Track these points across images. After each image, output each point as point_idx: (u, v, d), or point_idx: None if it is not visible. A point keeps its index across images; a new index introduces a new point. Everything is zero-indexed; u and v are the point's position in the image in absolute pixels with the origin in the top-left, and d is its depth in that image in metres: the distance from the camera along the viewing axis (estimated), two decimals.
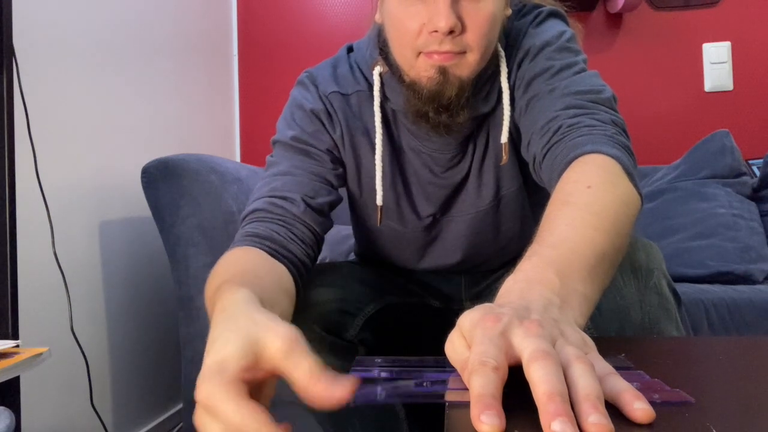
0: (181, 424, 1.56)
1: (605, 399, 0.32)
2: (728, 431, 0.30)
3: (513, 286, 0.44)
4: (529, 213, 0.89)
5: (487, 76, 0.79)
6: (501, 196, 0.86)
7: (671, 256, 1.53)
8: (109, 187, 1.40)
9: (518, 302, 0.41)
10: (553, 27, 0.79)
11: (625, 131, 0.67)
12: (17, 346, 0.79)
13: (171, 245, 1.27)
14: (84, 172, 1.32)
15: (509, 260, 0.94)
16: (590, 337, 0.40)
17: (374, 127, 0.83)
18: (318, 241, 0.77)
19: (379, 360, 0.42)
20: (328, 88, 0.84)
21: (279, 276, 0.67)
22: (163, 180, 1.27)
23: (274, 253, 0.69)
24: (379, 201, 0.83)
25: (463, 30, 0.69)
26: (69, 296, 1.15)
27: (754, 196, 1.69)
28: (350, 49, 0.89)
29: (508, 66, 0.79)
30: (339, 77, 0.85)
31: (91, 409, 1.22)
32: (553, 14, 0.82)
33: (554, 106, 0.70)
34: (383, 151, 0.83)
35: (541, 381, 0.32)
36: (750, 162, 1.81)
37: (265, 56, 2.20)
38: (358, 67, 0.85)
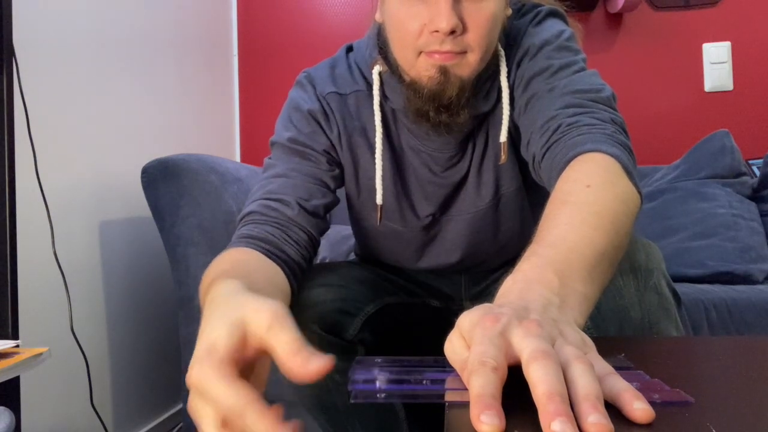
0: (181, 424, 1.56)
1: (605, 399, 0.32)
2: (728, 431, 0.30)
3: (512, 286, 0.44)
4: (529, 212, 0.89)
5: (486, 75, 0.79)
6: (500, 196, 0.86)
7: (671, 256, 1.53)
8: (109, 187, 1.40)
9: (517, 302, 0.41)
10: (553, 26, 0.80)
11: (624, 130, 0.67)
12: (17, 346, 0.79)
13: (171, 245, 1.28)
14: (84, 172, 1.32)
15: (509, 260, 0.94)
16: (590, 337, 0.40)
17: (373, 126, 0.83)
18: (313, 243, 0.78)
19: (379, 360, 0.42)
20: (325, 88, 0.84)
21: (272, 274, 0.68)
22: (163, 180, 1.27)
23: (268, 254, 0.70)
24: (379, 200, 0.84)
25: (464, 30, 0.69)
26: (69, 296, 1.15)
27: (754, 196, 1.69)
28: (349, 49, 0.89)
29: (508, 65, 0.79)
30: (337, 77, 0.85)
31: (91, 409, 1.22)
32: (552, 14, 0.82)
33: (553, 105, 0.70)
34: (382, 151, 0.83)
35: (540, 381, 0.32)
36: (750, 162, 1.81)
37: (265, 56, 2.20)
38: (357, 67, 0.85)
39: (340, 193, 0.86)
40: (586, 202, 0.54)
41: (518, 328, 0.36)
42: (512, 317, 0.37)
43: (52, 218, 1.10)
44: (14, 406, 0.87)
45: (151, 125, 1.61)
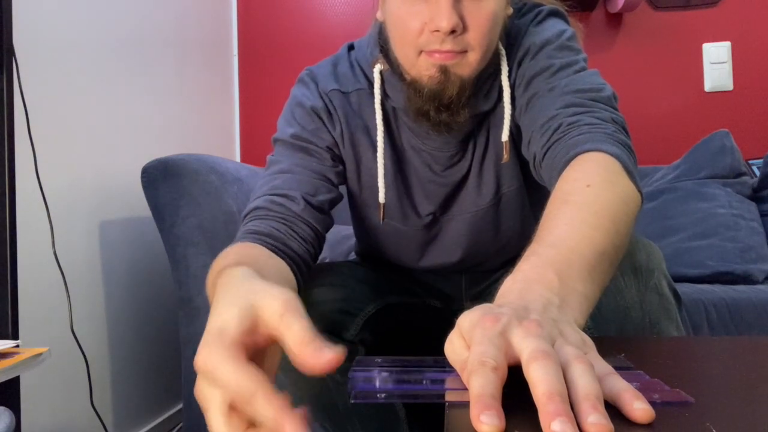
0: (181, 424, 1.56)
1: (605, 399, 0.32)
2: (728, 431, 0.30)
3: (512, 286, 0.44)
4: (529, 212, 0.89)
5: (487, 74, 0.79)
6: (501, 195, 0.86)
7: (671, 256, 1.53)
8: (109, 187, 1.40)
9: (517, 302, 0.41)
10: (554, 26, 0.80)
11: (625, 129, 0.67)
12: (17, 346, 0.79)
13: (171, 245, 1.27)
14: (84, 172, 1.32)
15: (509, 259, 0.94)
16: (590, 337, 0.39)
17: (374, 125, 0.83)
18: (319, 239, 0.77)
19: (379, 360, 0.42)
20: (328, 85, 0.84)
21: (280, 268, 0.68)
22: (163, 180, 1.27)
23: (275, 250, 0.70)
24: (381, 198, 0.83)
25: (465, 29, 0.69)
26: (69, 296, 1.15)
27: (754, 196, 1.69)
28: (351, 47, 0.89)
29: (509, 64, 0.79)
30: (339, 75, 0.85)
31: (91, 409, 1.22)
32: (553, 13, 0.82)
33: (554, 105, 0.70)
34: (384, 149, 0.83)
35: (540, 381, 0.32)
36: (750, 162, 1.81)
37: (265, 56, 2.20)
38: (359, 65, 0.85)
39: (342, 191, 0.86)
40: (586, 201, 0.54)
41: (518, 328, 0.36)
42: (512, 317, 0.37)
43: (52, 218, 1.10)
44: (14, 406, 0.87)
45: (151, 125, 1.61)
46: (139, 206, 1.40)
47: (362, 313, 0.81)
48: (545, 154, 0.68)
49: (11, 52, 0.92)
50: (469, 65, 0.72)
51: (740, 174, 1.68)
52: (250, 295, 0.42)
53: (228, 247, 0.68)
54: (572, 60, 0.75)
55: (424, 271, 0.96)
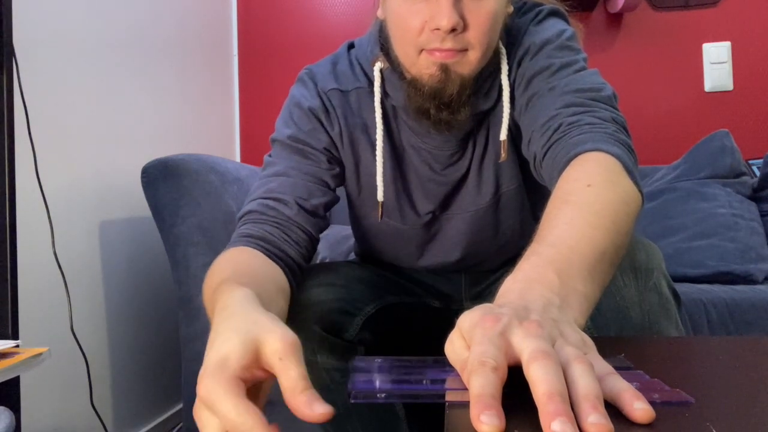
0: (181, 424, 1.56)
1: (605, 399, 0.32)
2: (728, 431, 0.30)
3: (512, 286, 0.44)
4: (529, 211, 0.89)
5: (487, 73, 0.79)
6: (500, 194, 0.86)
7: (671, 256, 1.53)
8: (109, 187, 1.40)
9: (517, 302, 0.41)
10: (554, 25, 0.80)
11: (625, 129, 0.67)
12: (17, 346, 0.79)
13: (171, 245, 1.27)
14: (84, 172, 1.32)
15: (509, 259, 0.94)
16: (590, 337, 0.40)
17: (374, 123, 0.83)
18: (312, 242, 0.78)
19: (379, 360, 0.42)
20: (327, 84, 0.84)
21: (274, 275, 0.68)
22: (163, 180, 1.27)
23: (268, 254, 0.70)
24: (380, 197, 0.83)
25: (465, 28, 0.70)
26: (69, 296, 1.15)
27: (754, 196, 1.69)
28: (351, 46, 0.89)
29: (509, 63, 0.79)
30: (338, 74, 0.85)
31: (91, 409, 1.22)
32: (553, 13, 0.82)
33: (554, 104, 0.70)
34: (383, 148, 0.83)
35: (540, 381, 0.32)
36: (750, 162, 1.81)
37: (265, 56, 2.20)
38: (359, 64, 0.85)
39: (341, 191, 0.86)
40: (587, 201, 0.54)
41: (518, 328, 0.36)
42: (512, 317, 0.37)
43: (52, 218, 1.10)
44: (14, 406, 0.87)
45: (151, 125, 1.61)
46: (139, 206, 1.40)
47: (362, 313, 0.81)
48: (545, 153, 0.68)
49: (11, 52, 0.92)
50: (469, 64, 0.72)
51: (740, 174, 1.68)
52: (252, 328, 0.42)
53: (224, 251, 0.69)
54: (572, 59, 0.75)
55: (423, 270, 0.96)
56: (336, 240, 1.59)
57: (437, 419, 0.38)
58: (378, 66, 0.82)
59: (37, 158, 1.07)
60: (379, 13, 0.79)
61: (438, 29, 0.68)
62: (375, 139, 0.83)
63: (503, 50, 0.79)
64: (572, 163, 0.61)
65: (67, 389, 1.21)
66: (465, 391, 0.34)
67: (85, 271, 1.30)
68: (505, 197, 0.86)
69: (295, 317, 0.70)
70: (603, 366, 0.36)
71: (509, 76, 0.79)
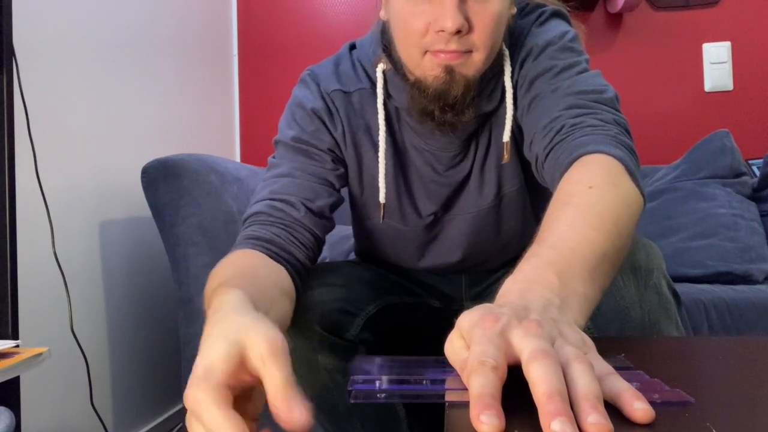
0: (180, 424, 1.56)
1: (605, 399, 0.32)
2: (728, 431, 0.30)
3: (512, 286, 0.44)
4: (531, 212, 0.89)
5: (490, 74, 0.79)
6: (502, 195, 0.86)
7: (671, 256, 1.53)
8: (109, 187, 1.40)
9: (517, 302, 0.41)
10: (556, 27, 0.80)
11: (627, 131, 0.67)
12: (17, 346, 0.79)
13: (171, 245, 1.27)
14: (84, 172, 1.32)
15: (510, 260, 0.94)
16: (590, 337, 0.40)
17: (376, 124, 0.83)
18: (318, 244, 0.78)
19: (379, 360, 0.42)
20: (329, 85, 0.84)
21: (278, 278, 0.68)
22: (163, 180, 1.27)
23: (274, 256, 0.70)
24: (382, 198, 0.83)
25: (470, 30, 0.69)
26: (69, 296, 1.15)
27: (754, 196, 1.69)
28: (353, 47, 0.89)
29: (512, 65, 0.79)
30: (341, 75, 0.85)
31: (91, 409, 1.22)
32: (556, 14, 0.82)
33: (557, 106, 0.70)
34: (385, 149, 0.83)
35: (540, 380, 0.32)
36: (750, 162, 1.81)
37: (265, 56, 2.20)
38: (361, 65, 0.85)
39: (343, 192, 0.86)
40: (588, 203, 0.54)
41: (518, 328, 0.36)
42: (512, 317, 0.37)
43: (52, 218, 1.10)
44: (14, 406, 0.86)
45: (151, 125, 1.61)
46: (139, 206, 1.40)
47: (363, 313, 0.81)
48: (548, 155, 0.68)
49: (11, 52, 0.92)
50: (474, 65, 0.72)
51: (740, 174, 1.68)
52: (237, 331, 0.42)
53: (229, 253, 0.69)
54: (575, 61, 0.75)
55: (424, 271, 0.96)
56: (336, 240, 1.59)
57: (437, 419, 0.38)
58: (381, 67, 0.82)
59: (37, 158, 1.07)
60: (382, 15, 0.79)
61: (442, 31, 0.68)
62: (377, 141, 0.83)
63: (506, 52, 0.79)
64: (574, 164, 0.61)
65: (67, 389, 1.21)
66: (465, 391, 0.34)
67: (85, 271, 1.30)
68: (507, 198, 0.86)
69: (295, 317, 0.70)
70: (603, 366, 0.36)
71: (512, 77, 0.79)
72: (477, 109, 0.78)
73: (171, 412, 1.60)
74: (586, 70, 0.74)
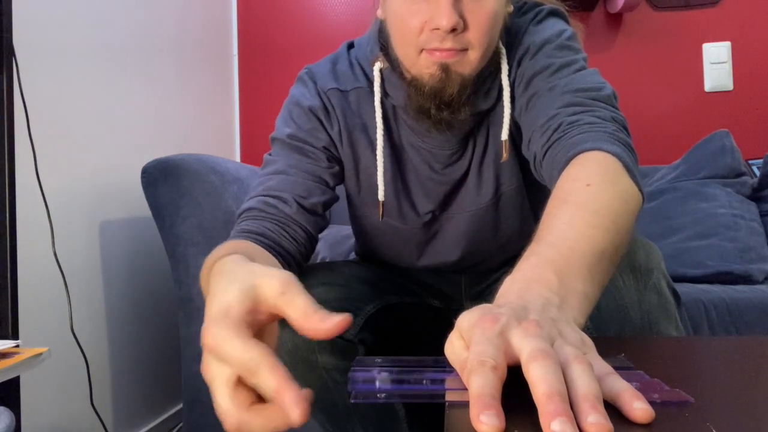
0: (181, 424, 1.56)
1: (604, 399, 0.32)
2: (728, 431, 0.30)
3: (511, 286, 0.44)
4: (529, 211, 0.89)
5: (487, 72, 0.79)
6: (500, 194, 0.86)
7: (671, 256, 1.53)
8: (109, 187, 1.40)
9: (516, 302, 0.41)
10: (554, 25, 0.80)
11: (625, 128, 0.67)
12: (17, 346, 0.79)
13: (171, 245, 1.27)
14: (84, 172, 1.32)
15: (509, 259, 0.94)
16: (590, 337, 0.39)
17: (373, 123, 0.83)
18: (311, 240, 0.78)
19: (379, 360, 0.42)
20: (326, 84, 0.84)
21: (270, 261, 0.69)
22: (163, 180, 1.27)
23: (267, 247, 0.71)
24: (381, 196, 0.84)
25: (466, 28, 0.70)
26: (69, 296, 1.15)
27: (754, 196, 1.69)
28: (351, 46, 0.89)
29: (509, 63, 0.79)
30: (338, 74, 0.85)
31: (91, 409, 1.22)
32: (553, 12, 0.82)
33: (554, 104, 0.70)
34: (383, 147, 0.83)
35: (540, 381, 0.32)
36: (750, 162, 1.81)
37: (265, 56, 2.20)
38: (358, 63, 0.85)
39: (340, 190, 0.86)
40: (586, 201, 0.54)
41: (517, 328, 0.36)
42: (511, 317, 0.37)
43: (52, 218, 1.10)
44: (14, 406, 0.87)
45: (151, 125, 1.61)
46: (139, 206, 1.40)
47: (362, 313, 0.81)
48: (545, 153, 0.68)
49: (11, 52, 0.92)
50: (469, 63, 0.72)
51: (740, 174, 1.68)
52: (249, 275, 0.43)
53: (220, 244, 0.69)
54: (572, 59, 0.75)
55: (423, 270, 0.96)
56: (336, 240, 1.59)
57: (437, 419, 0.38)
58: (378, 66, 0.82)
59: (37, 158, 1.07)
60: (379, 13, 0.79)
61: (438, 29, 0.68)
62: (374, 139, 0.83)
63: (503, 50, 0.79)
64: (572, 162, 0.61)
65: (67, 389, 1.21)
66: (465, 391, 0.34)
67: (85, 271, 1.30)
68: (505, 197, 0.86)
69: None
70: (602, 366, 0.36)
71: (509, 75, 0.79)
72: (473, 108, 0.78)
73: (171, 412, 1.60)
74: (583, 68, 0.74)
